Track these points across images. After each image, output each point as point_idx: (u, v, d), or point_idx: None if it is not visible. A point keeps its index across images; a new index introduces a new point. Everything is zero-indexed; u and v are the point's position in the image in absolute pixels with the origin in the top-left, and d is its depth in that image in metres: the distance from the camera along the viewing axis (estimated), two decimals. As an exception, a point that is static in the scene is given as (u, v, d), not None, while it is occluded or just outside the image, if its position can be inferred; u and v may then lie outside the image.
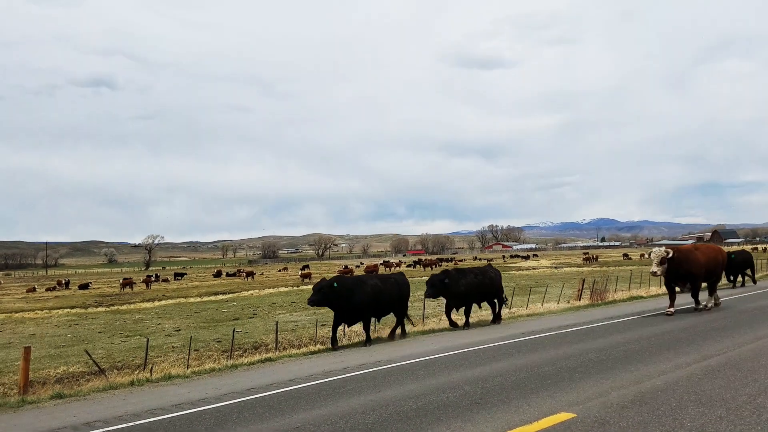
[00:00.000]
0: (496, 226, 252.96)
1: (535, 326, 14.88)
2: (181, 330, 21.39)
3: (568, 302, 22.17)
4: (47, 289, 62.13)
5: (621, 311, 17.61)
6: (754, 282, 26.77)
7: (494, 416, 6.55)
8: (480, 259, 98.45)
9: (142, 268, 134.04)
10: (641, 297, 22.87)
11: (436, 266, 70.68)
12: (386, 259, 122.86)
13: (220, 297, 38.97)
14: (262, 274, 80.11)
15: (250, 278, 65.46)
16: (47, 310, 34.40)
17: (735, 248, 48.95)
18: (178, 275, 79.62)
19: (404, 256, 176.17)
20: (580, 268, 56.69)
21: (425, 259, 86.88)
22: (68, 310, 34.30)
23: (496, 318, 16.47)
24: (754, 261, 28.67)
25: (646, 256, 20.21)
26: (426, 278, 17.24)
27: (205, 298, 38.29)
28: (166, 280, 71.40)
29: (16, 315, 32.01)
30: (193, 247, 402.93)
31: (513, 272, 53.73)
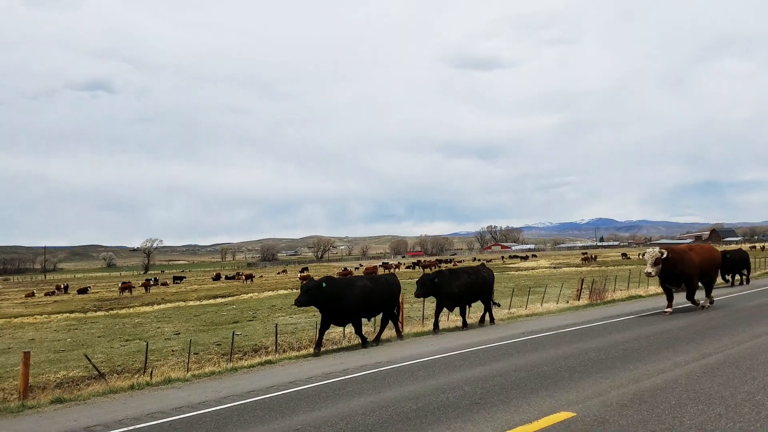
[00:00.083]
0: (495, 227, 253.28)
1: (535, 326, 14.91)
2: (181, 333, 21.38)
3: (567, 302, 22.22)
4: (46, 294, 62.04)
5: (620, 310, 17.66)
6: (748, 282, 26.79)
7: (494, 416, 6.57)
8: (479, 260, 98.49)
9: (141, 272, 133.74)
10: (640, 296, 22.93)
11: (435, 267, 70.69)
12: (385, 260, 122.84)
13: (219, 300, 38.94)
14: (261, 276, 79.98)
15: (249, 281, 65.39)
16: (46, 315, 34.34)
17: (732, 247, 48.99)
18: (177, 279, 79.58)
19: (403, 257, 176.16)
20: (579, 268, 56.79)
21: (424, 261, 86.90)
22: (67, 314, 34.23)
23: (488, 319, 16.42)
24: (750, 260, 28.71)
25: (640, 256, 20.21)
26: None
27: (205, 302, 38.26)
28: (165, 284, 71.23)
29: (16, 320, 31.94)
30: (192, 250, 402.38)
31: (512, 273, 53.79)
